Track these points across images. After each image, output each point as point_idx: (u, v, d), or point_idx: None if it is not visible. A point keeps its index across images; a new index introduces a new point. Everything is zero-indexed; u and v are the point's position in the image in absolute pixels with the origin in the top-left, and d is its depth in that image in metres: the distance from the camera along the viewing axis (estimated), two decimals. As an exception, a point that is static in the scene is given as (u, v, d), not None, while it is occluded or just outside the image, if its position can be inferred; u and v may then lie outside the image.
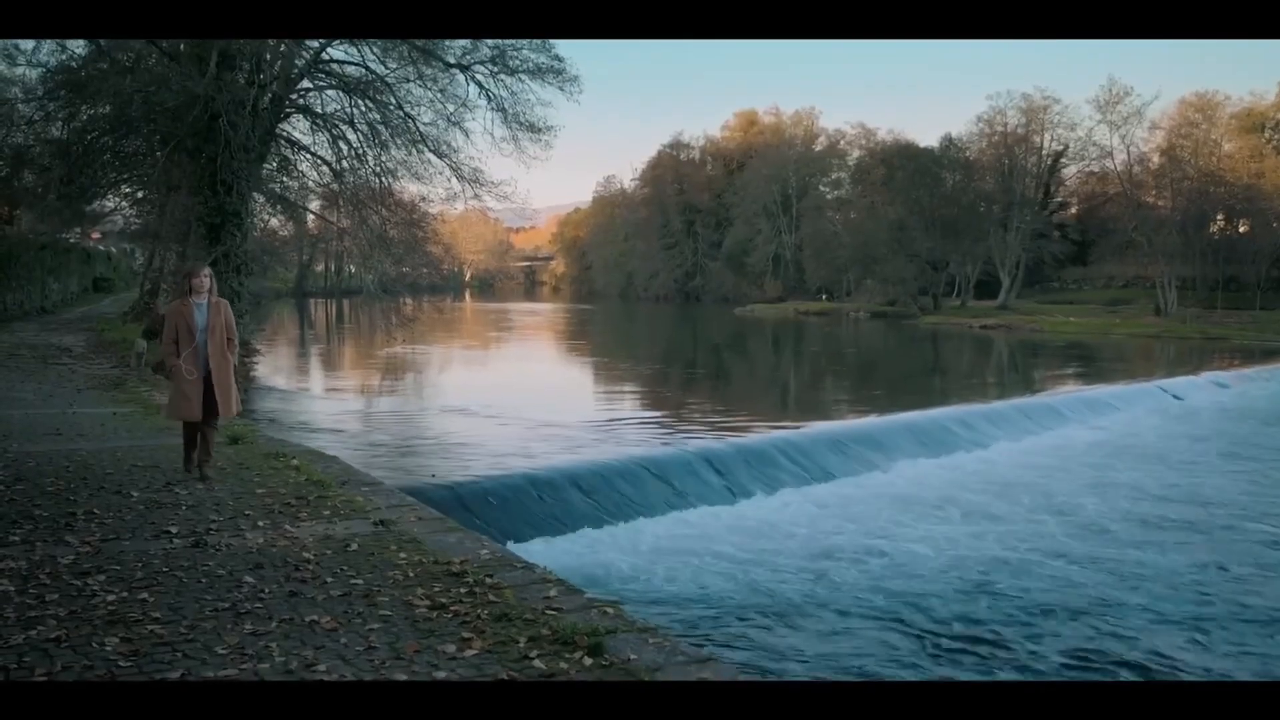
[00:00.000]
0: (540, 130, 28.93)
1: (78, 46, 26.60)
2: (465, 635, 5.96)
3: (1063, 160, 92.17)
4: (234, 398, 10.68)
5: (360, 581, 7.01)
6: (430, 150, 27.96)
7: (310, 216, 37.59)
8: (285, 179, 32.13)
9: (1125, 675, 8.82)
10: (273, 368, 35.80)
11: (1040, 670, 8.93)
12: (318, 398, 29.26)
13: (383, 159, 28.05)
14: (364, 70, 26.21)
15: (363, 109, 27.18)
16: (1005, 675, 8.84)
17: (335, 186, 29.55)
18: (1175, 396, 29.40)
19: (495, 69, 27.45)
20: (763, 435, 19.57)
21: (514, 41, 27.06)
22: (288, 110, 27.49)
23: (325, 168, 29.25)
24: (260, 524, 8.63)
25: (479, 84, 27.75)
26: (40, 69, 28.15)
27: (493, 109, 28.17)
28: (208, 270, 10.77)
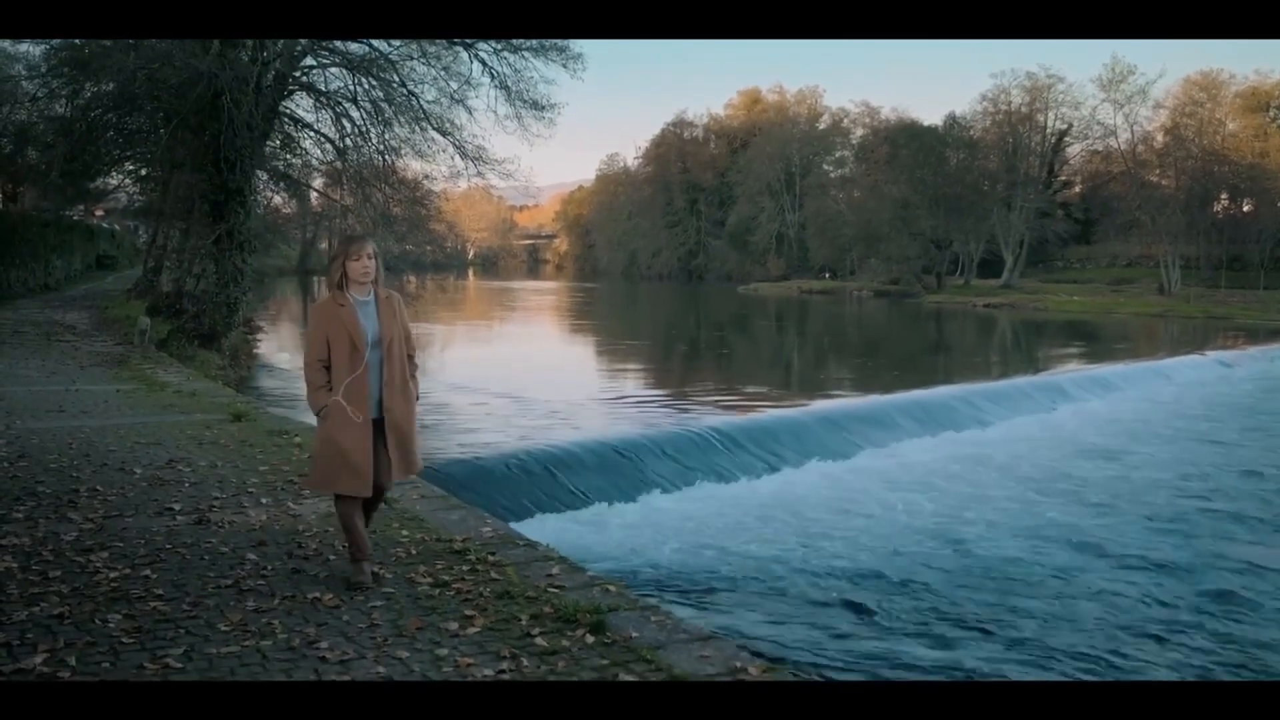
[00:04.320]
0: (544, 108, 28.78)
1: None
2: (467, 613, 5.97)
3: (1067, 139, 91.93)
4: (418, 451, 6.82)
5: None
6: (433, 128, 27.83)
7: (313, 194, 37.42)
8: (289, 156, 31.97)
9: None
10: (276, 345, 35.84)
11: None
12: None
13: (386, 137, 27.92)
14: (367, 48, 26.12)
15: (366, 86, 27.04)
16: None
17: (338, 164, 29.41)
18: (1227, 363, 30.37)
19: (499, 46, 27.32)
20: (771, 414, 19.56)
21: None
22: (291, 88, 27.35)
23: (328, 145, 29.12)
24: (263, 501, 8.64)
25: (482, 61, 27.61)
26: (44, 46, 28.06)
27: (496, 86, 28.02)
28: (371, 248, 6.60)
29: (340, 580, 6.56)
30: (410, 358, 6.77)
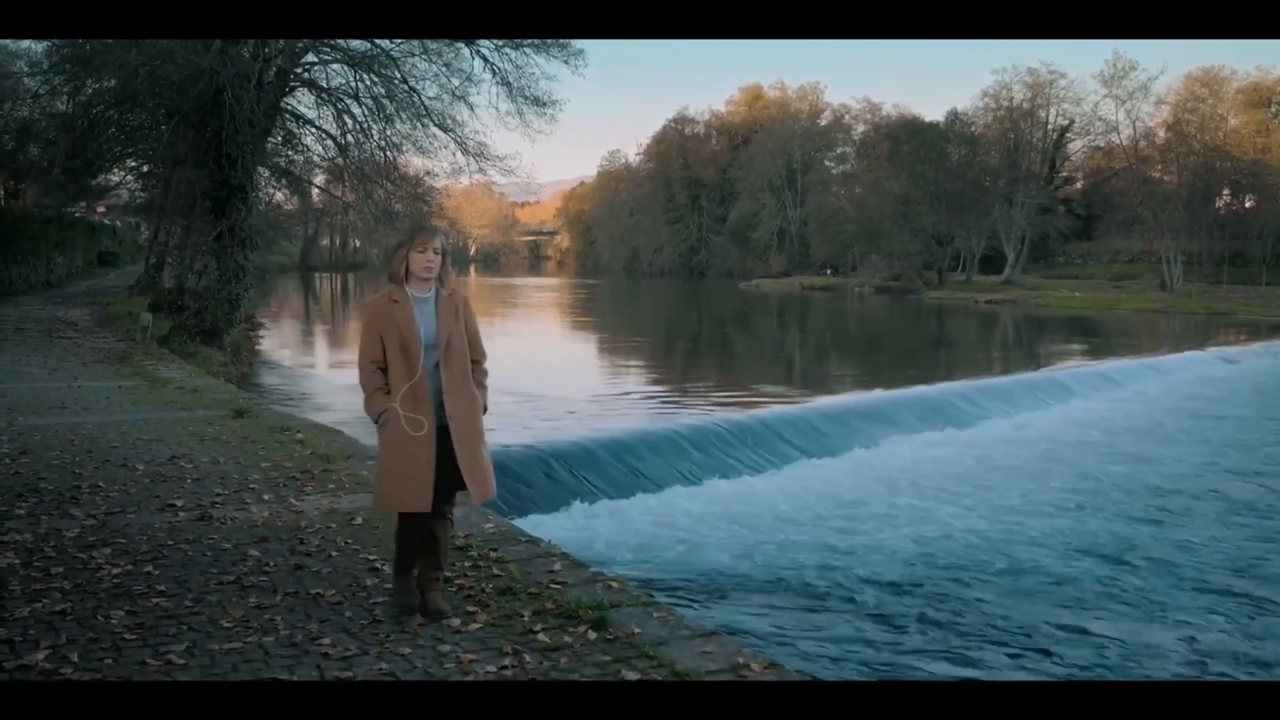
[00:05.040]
0: (545, 104, 28.79)
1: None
2: (470, 609, 5.97)
3: (1068, 135, 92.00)
4: (489, 468, 6.01)
5: (365, 555, 7.02)
6: (435, 124, 27.86)
7: (315, 190, 37.48)
8: (290, 153, 32.01)
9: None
10: (278, 342, 35.87)
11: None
12: (323, 371, 29.33)
13: (387, 133, 27.96)
14: (369, 44, 26.12)
15: (367, 83, 27.05)
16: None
17: (340, 160, 29.45)
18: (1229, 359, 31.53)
19: (500, 42, 27.32)
20: (777, 409, 19.56)
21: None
22: (292, 84, 27.36)
23: (330, 142, 29.15)
24: (265, 498, 8.63)
25: (484, 58, 27.61)
26: (46, 43, 28.07)
27: (497, 83, 28.03)
28: (440, 241, 5.95)
29: (343, 575, 6.56)
30: (477, 364, 6.06)
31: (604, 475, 14.25)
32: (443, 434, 5.79)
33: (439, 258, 5.87)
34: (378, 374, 5.86)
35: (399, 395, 5.75)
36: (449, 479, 5.82)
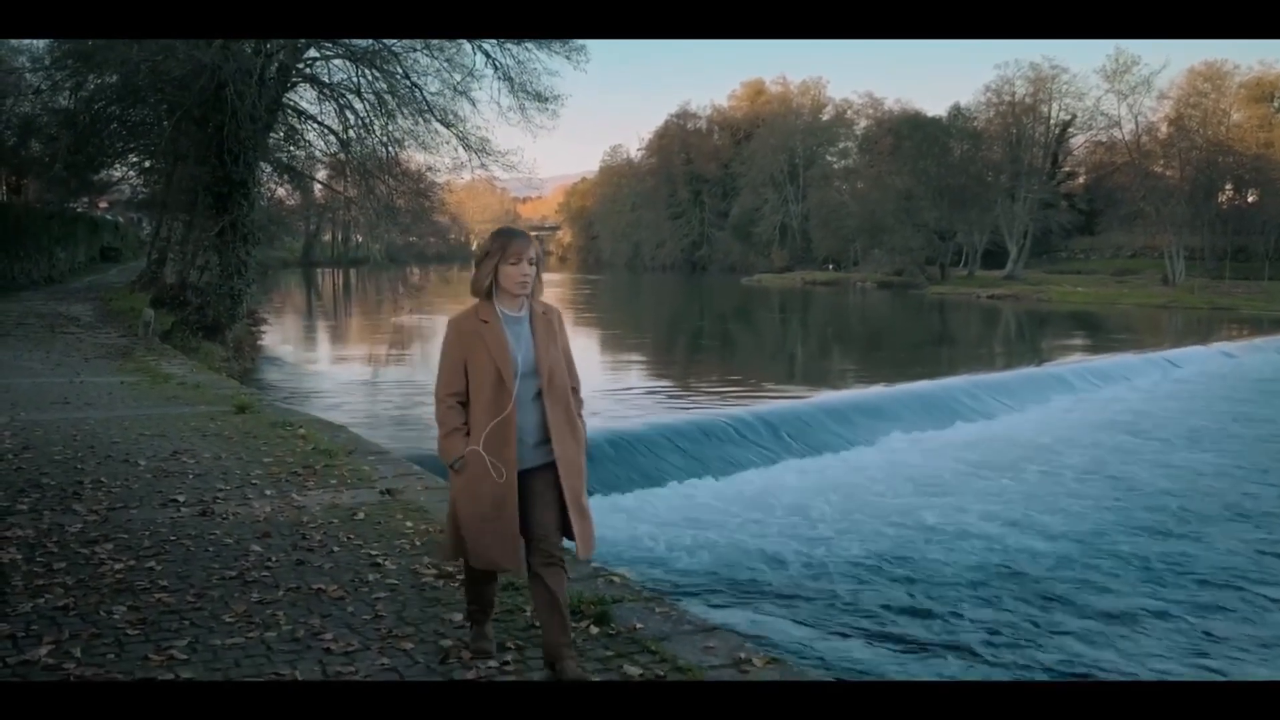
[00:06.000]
0: (547, 99, 28.78)
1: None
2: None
3: (1070, 130, 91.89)
4: (591, 519, 5.09)
5: (367, 550, 7.03)
6: (437, 120, 27.87)
7: (317, 186, 37.50)
8: (292, 148, 32.04)
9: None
10: (280, 337, 35.89)
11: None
12: (325, 367, 29.35)
13: (389, 128, 27.98)
14: (371, 40, 26.11)
15: (369, 78, 27.08)
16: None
17: (342, 156, 29.48)
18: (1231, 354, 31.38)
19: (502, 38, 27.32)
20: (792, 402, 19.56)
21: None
22: (294, 79, 27.38)
23: (332, 137, 29.19)
24: (267, 493, 8.64)
25: (486, 53, 27.61)
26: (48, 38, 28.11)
27: (499, 78, 28.03)
28: (535, 250, 5.02)
29: (345, 570, 6.56)
30: (574, 391, 5.13)
31: (602, 470, 14.22)
32: (524, 478, 4.89)
33: (534, 269, 4.98)
34: (458, 410, 4.96)
35: (483, 435, 4.84)
36: (541, 525, 4.92)
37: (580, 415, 5.12)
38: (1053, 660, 8.63)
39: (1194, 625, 9.54)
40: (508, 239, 4.95)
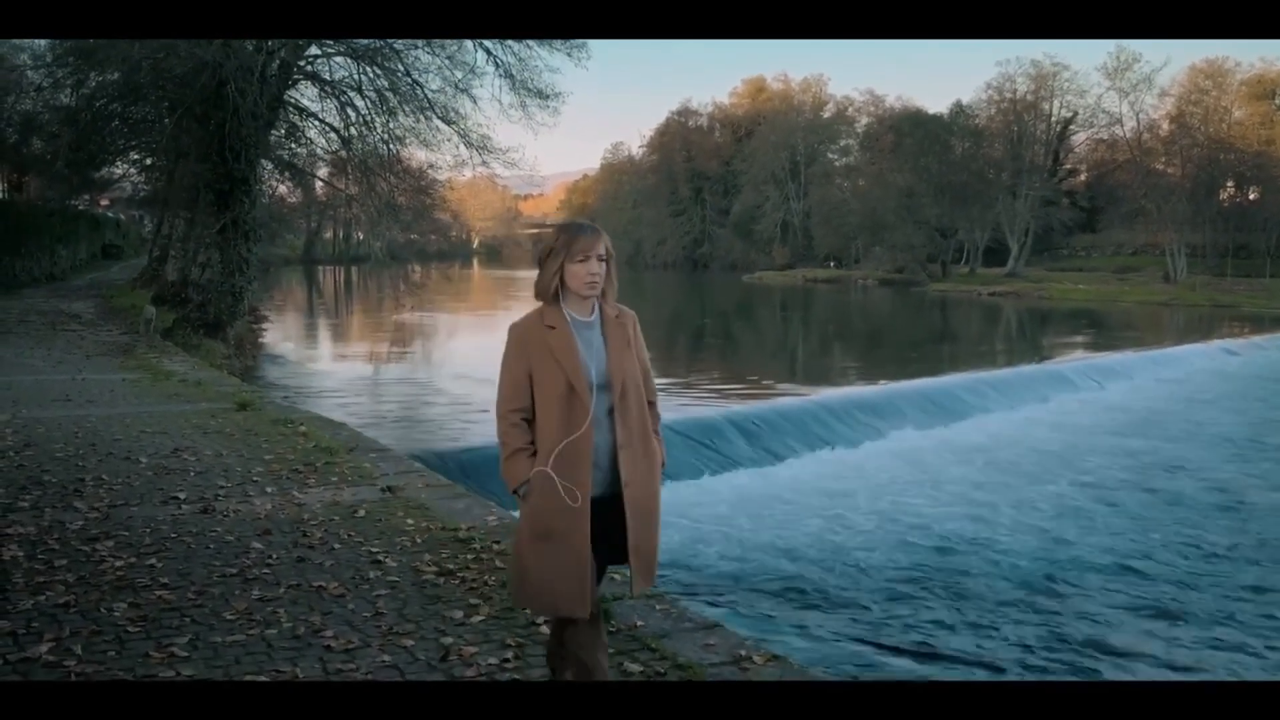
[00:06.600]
0: (548, 97, 28.72)
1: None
2: (472, 601, 5.98)
3: (1072, 127, 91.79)
4: (657, 548, 4.45)
5: (368, 548, 7.03)
6: (438, 117, 27.82)
7: (318, 183, 37.46)
8: (293, 146, 31.98)
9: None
10: (282, 335, 35.90)
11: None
12: (326, 364, 29.35)
13: (391, 126, 27.91)
14: (372, 39, 26.09)
15: (371, 76, 27.02)
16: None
17: (343, 153, 29.44)
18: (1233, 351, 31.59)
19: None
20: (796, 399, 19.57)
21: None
22: (296, 77, 27.32)
23: (333, 134, 29.13)
24: (268, 490, 8.65)
25: (487, 50, 27.54)
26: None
27: (501, 75, 27.96)
28: (604, 245, 4.33)
29: (346, 567, 6.57)
30: (651, 405, 4.48)
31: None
32: (597, 505, 4.24)
33: (603, 266, 4.33)
34: (523, 428, 4.34)
35: (552, 455, 4.20)
36: (601, 557, 4.34)
37: (658, 434, 4.49)
38: (1059, 654, 8.64)
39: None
40: (574, 234, 4.33)
